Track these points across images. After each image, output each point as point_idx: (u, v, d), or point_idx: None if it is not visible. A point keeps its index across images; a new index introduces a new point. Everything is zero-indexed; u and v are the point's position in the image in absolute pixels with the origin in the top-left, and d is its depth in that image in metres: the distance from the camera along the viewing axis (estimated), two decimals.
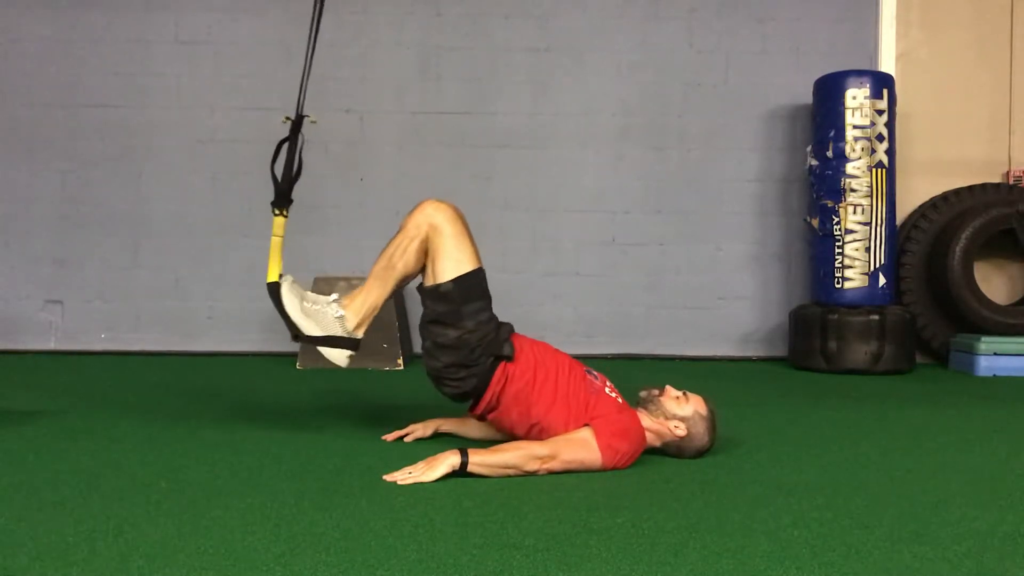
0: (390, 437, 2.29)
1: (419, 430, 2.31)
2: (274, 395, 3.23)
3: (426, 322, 2.11)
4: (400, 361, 4.11)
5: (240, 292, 4.72)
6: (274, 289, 2.14)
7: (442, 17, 4.83)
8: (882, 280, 4.27)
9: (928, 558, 1.36)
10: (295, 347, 4.25)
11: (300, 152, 2.29)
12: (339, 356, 2.14)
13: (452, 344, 2.05)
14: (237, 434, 2.33)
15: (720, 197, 4.87)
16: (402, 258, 2.09)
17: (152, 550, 1.34)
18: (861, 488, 1.83)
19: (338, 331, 2.12)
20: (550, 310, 4.81)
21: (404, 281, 2.16)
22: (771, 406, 3.13)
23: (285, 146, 2.29)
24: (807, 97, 4.66)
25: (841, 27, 4.88)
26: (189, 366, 4.11)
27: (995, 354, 4.15)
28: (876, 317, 4.16)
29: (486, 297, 2.12)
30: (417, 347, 4.34)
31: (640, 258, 4.84)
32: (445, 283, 2.06)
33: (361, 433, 2.36)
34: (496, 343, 2.07)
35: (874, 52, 4.87)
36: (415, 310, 4.44)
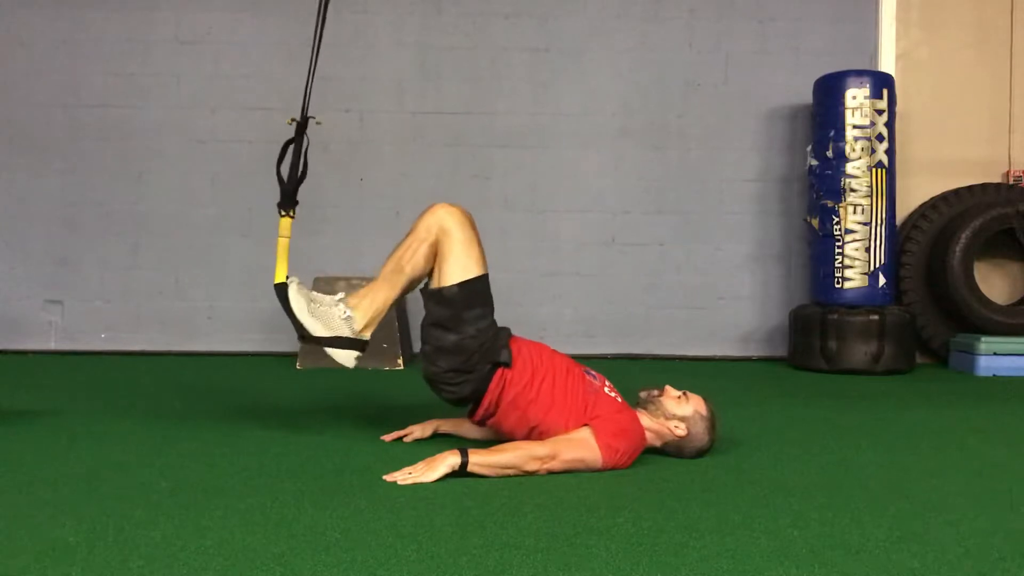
0: (389, 437, 2.29)
1: (418, 431, 2.31)
2: (274, 395, 3.22)
3: (427, 325, 2.11)
4: (400, 361, 4.11)
5: (240, 292, 4.72)
6: (282, 290, 2.13)
7: (442, 17, 4.83)
8: (882, 280, 4.27)
9: (928, 558, 1.36)
10: (295, 347, 4.25)
11: (305, 153, 2.29)
12: (346, 357, 2.13)
13: (451, 348, 2.05)
14: (237, 434, 2.33)
15: (720, 197, 4.87)
16: (411, 260, 2.09)
17: (152, 550, 1.34)
18: (861, 488, 1.83)
19: (345, 332, 2.11)
20: (550, 310, 4.81)
21: (413, 284, 2.15)
22: (771, 406, 3.13)
23: (291, 148, 2.29)
24: (807, 97, 4.66)
25: (841, 27, 4.87)
26: (189, 366, 4.11)
27: (995, 354, 4.14)
28: (876, 317, 4.16)
29: (488, 304, 2.12)
30: (417, 347, 4.34)
31: (640, 258, 4.84)
32: (449, 287, 2.06)
33: (361, 433, 2.36)
34: (494, 350, 2.06)
35: (874, 52, 4.87)
36: (415, 310, 4.45)
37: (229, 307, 4.75)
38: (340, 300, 2.14)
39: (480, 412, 2.09)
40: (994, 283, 4.84)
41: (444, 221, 2.08)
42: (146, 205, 4.75)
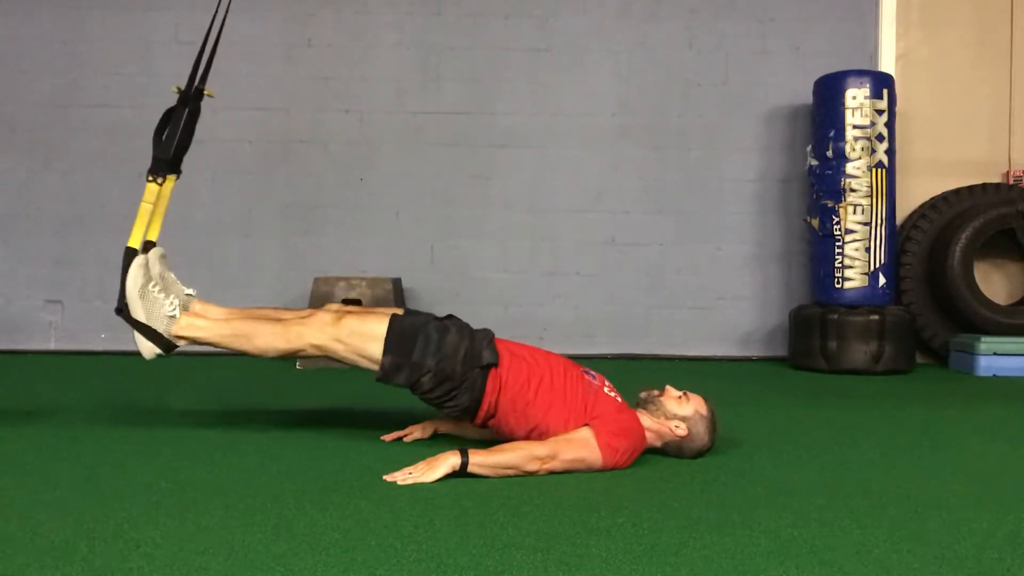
0: (389, 438, 2.29)
1: (418, 431, 2.31)
2: (274, 395, 3.22)
3: (411, 391, 2.11)
4: None
5: (240, 292, 4.72)
6: (128, 255, 2.15)
7: (442, 17, 4.83)
8: (882, 280, 4.27)
9: (928, 558, 1.36)
10: None
11: (190, 123, 2.28)
12: (147, 348, 2.16)
13: (436, 383, 2.05)
14: (237, 434, 2.33)
15: (720, 197, 4.87)
16: (264, 345, 2.13)
17: (152, 550, 1.34)
18: (861, 488, 1.83)
19: (160, 327, 2.14)
20: (550, 310, 4.81)
21: (244, 354, 2.17)
22: (771, 406, 3.13)
23: (172, 116, 2.27)
24: (807, 97, 4.66)
25: (841, 27, 4.87)
26: (189, 366, 4.10)
27: (995, 354, 4.14)
28: (876, 317, 4.16)
29: (421, 328, 2.09)
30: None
31: (640, 258, 4.84)
32: (383, 361, 2.06)
33: (361, 433, 2.36)
34: (475, 355, 2.06)
35: (874, 52, 4.87)
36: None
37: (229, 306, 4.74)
38: (186, 295, 2.15)
39: (481, 415, 2.09)
40: (994, 283, 4.84)
41: (316, 339, 2.08)
42: None
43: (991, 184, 4.71)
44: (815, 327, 4.26)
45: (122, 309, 2.13)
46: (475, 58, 4.83)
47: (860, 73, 4.37)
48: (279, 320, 2.17)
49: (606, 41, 4.86)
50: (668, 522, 1.54)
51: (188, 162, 4.56)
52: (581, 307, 4.83)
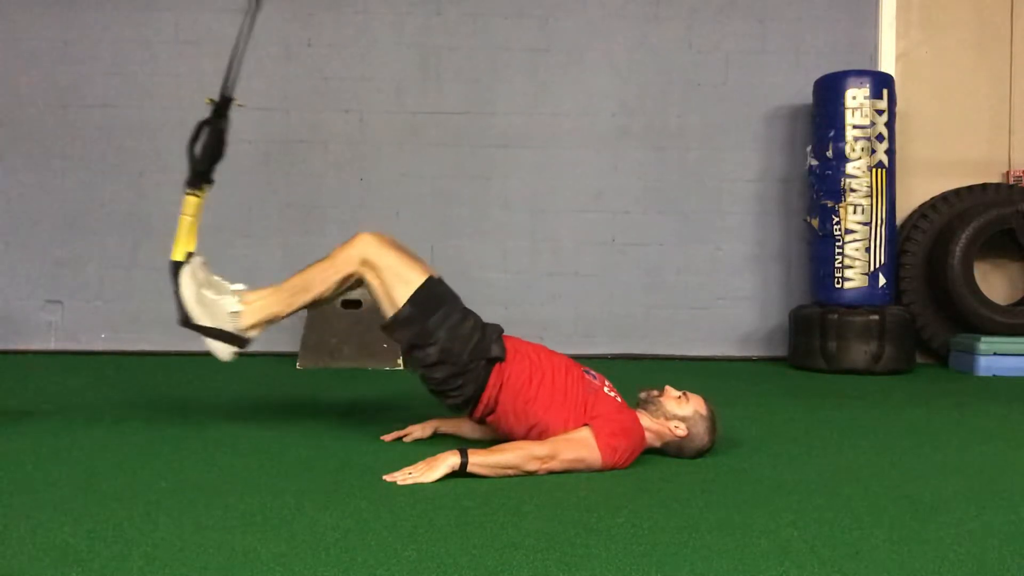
0: (389, 437, 2.29)
1: (418, 431, 2.31)
2: (274, 395, 3.23)
3: (405, 353, 2.10)
4: (400, 361, 4.10)
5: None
6: (175, 269, 2.15)
7: (442, 17, 4.83)
8: (882, 280, 4.27)
9: (928, 558, 1.36)
10: (295, 347, 4.25)
11: (222, 134, 2.29)
12: (223, 351, 2.15)
13: (438, 359, 2.05)
14: (237, 434, 2.33)
15: (720, 197, 4.87)
16: (321, 285, 2.10)
17: (152, 550, 1.34)
18: (861, 488, 1.83)
19: (227, 326, 2.13)
20: (550, 310, 4.81)
21: (310, 306, 2.16)
22: (771, 406, 3.13)
23: (205, 128, 2.28)
24: (807, 97, 4.66)
25: (841, 27, 4.87)
26: (189, 366, 4.10)
27: (995, 354, 4.15)
28: (876, 317, 4.16)
29: (447, 302, 2.10)
30: None
31: (640, 258, 4.85)
32: (402, 308, 2.05)
33: (361, 433, 2.36)
34: (484, 346, 2.06)
35: (874, 52, 4.87)
36: None
37: None
38: (236, 292, 2.15)
39: (480, 409, 2.09)
40: (994, 283, 4.84)
41: (364, 253, 2.07)
42: (146, 205, 4.75)
43: (991, 184, 4.71)
44: (815, 327, 4.26)
45: (186, 320, 2.11)
46: (475, 58, 4.83)
47: (860, 73, 4.37)
48: (323, 259, 2.14)
49: (606, 41, 4.86)
50: (668, 522, 1.54)
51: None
52: (581, 307, 4.83)
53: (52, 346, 4.71)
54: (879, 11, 4.86)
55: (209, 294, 2.13)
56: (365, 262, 2.07)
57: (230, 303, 2.12)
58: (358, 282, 2.14)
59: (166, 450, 2.11)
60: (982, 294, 4.46)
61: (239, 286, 2.19)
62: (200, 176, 2.24)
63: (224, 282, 2.21)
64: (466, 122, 4.82)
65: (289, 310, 2.16)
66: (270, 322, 2.17)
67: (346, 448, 2.16)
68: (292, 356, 4.31)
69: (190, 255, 2.21)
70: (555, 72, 4.85)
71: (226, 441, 2.23)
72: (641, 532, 1.47)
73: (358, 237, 2.11)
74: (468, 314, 2.12)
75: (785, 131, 4.89)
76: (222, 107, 2.28)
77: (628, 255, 4.85)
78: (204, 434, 2.33)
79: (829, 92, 4.37)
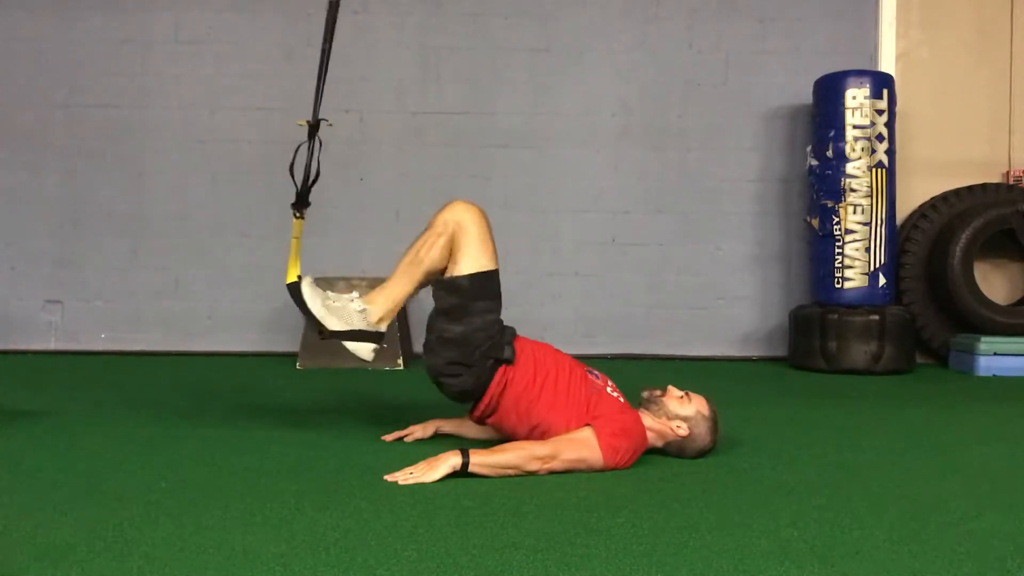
0: (390, 437, 2.29)
1: (419, 431, 2.31)
2: (274, 395, 3.23)
3: (435, 314, 2.12)
4: (400, 361, 4.11)
5: (240, 292, 4.72)
6: (295, 289, 2.16)
7: (442, 17, 4.83)
8: (882, 280, 4.27)
9: (928, 558, 1.36)
10: (295, 347, 4.25)
11: (318, 156, 2.32)
12: (364, 350, 2.16)
13: (456, 339, 2.06)
14: (237, 434, 2.33)
15: (720, 197, 4.87)
16: (428, 253, 2.11)
17: (152, 550, 1.34)
18: (861, 488, 1.83)
19: (361, 325, 2.14)
20: (550, 310, 4.81)
21: (429, 277, 2.16)
22: (771, 406, 3.13)
23: (302, 150, 2.32)
24: (807, 97, 4.66)
25: (841, 27, 4.87)
26: (189, 366, 4.11)
27: (995, 354, 4.14)
28: (876, 317, 4.16)
29: (497, 299, 2.14)
30: (417, 347, 4.34)
31: (640, 258, 4.85)
32: (461, 276, 2.08)
33: (361, 433, 2.36)
34: (498, 346, 2.07)
35: (874, 52, 4.87)
36: (415, 309, 4.45)
37: (229, 307, 4.74)
38: (355, 296, 2.16)
39: (480, 409, 2.09)
40: (994, 283, 4.84)
41: (461, 216, 2.11)
42: (146, 205, 4.75)
43: (991, 184, 4.71)
44: (815, 327, 4.26)
45: (323, 331, 2.12)
46: (475, 58, 4.83)
47: (860, 73, 4.37)
48: (424, 231, 2.15)
49: (606, 41, 4.86)
50: (668, 522, 1.54)
51: (188, 162, 4.56)
52: (581, 307, 4.83)
53: (52, 346, 4.71)
54: (879, 11, 4.86)
55: (333, 302, 2.14)
56: (460, 225, 2.10)
57: (355, 304, 2.14)
58: None
59: (166, 450, 2.11)
60: (982, 294, 4.46)
61: (354, 294, 2.20)
62: (303, 198, 2.27)
63: (338, 293, 2.23)
64: (466, 122, 4.82)
65: (411, 287, 2.16)
66: (397, 307, 2.18)
67: (346, 448, 2.16)
68: (292, 356, 4.31)
69: (299, 276, 2.22)
70: (555, 72, 4.85)
71: (226, 441, 2.23)
72: (641, 532, 1.47)
73: (454, 203, 2.14)
74: (500, 320, 2.15)
75: (785, 131, 4.89)
76: (315, 128, 2.31)
77: (628, 255, 4.84)
78: (204, 434, 2.33)
79: (829, 92, 4.37)
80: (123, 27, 4.75)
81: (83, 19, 4.74)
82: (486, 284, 2.10)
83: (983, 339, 4.19)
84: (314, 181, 2.31)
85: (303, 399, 3.12)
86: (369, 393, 3.30)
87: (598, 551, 1.36)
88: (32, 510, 1.56)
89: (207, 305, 4.74)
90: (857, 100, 4.28)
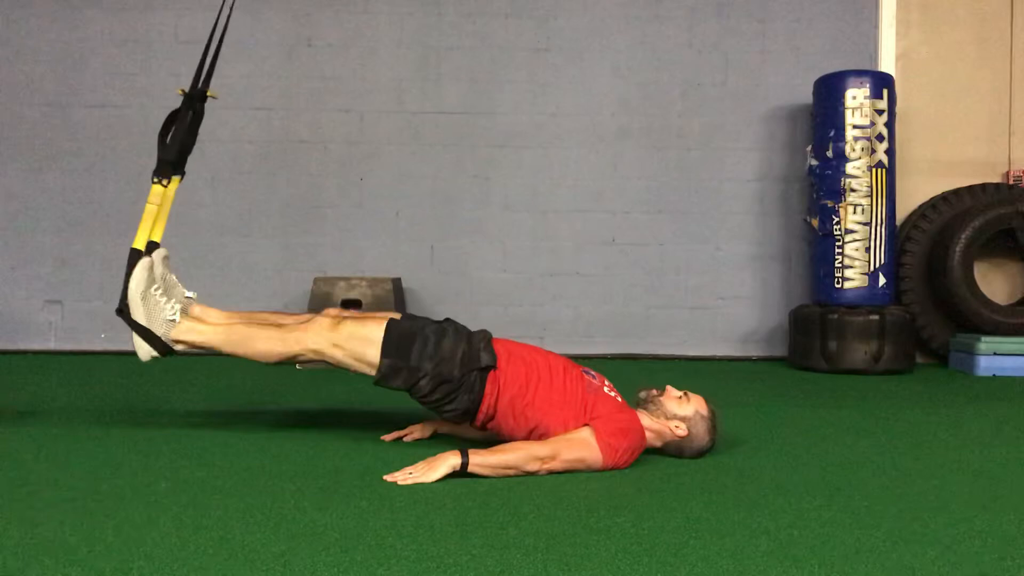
0: (389, 437, 2.29)
1: (418, 431, 2.31)
2: (274, 395, 3.22)
3: (409, 394, 2.11)
4: None
5: (240, 292, 4.72)
6: (134, 257, 2.15)
7: (442, 17, 4.83)
8: (882, 280, 4.27)
9: (928, 558, 1.36)
10: None
11: (195, 125, 2.27)
12: (144, 350, 2.17)
13: (434, 386, 2.05)
14: (237, 434, 2.33)
15: (720, 197, 4.87)
16: (265, 348, 2.11)
17: (152, 550, 1.34)
18: (861, 488, 1.83)
19: (159, 331, 2.15)
20: (550, 310, 4.81)
21: (244, 358, 2.17)
22: (771, 406, 3.13)
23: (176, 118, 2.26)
24: (807, 97, 4.66)
25: (841, 27, 4.88)
26: (189, 366, 4.10)
27: (995, 354, 4.15)
28: (876, 317, 4.16)
29: (418, 332, 2.10)
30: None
31: (640, 258, 4.85)
32: (381, 365, 2.05)
33: (361, 433, 2.36)
34: (473, 357, 2.06)
35: (874, 52, 4.87)
36: (415, 310, 4.45)
37: (229, 307, 4.72)
38: (186, 299, 2.16)
39: (480, 417, 2.08)
40: (994, 283, 4.84)
41: (318, 341, 2.07)
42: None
43: (991, 184, 4.71)
44: (815, 327, 4.26)
45: (123, 310, 2.13)
46: (475, 58, 4.83)
47: (860, 73, 4.37)
48: (278, 325, 2.17)
49: (606, 41, 4.86)
50: (668, 522, 1.54)
51: (188, 162, 4.55)
52: (581, 307, 4.83)
53: (52, 346, 4.71)
54: (879, 11, 4.86)
55: (156, 295, 2.14)
56: (316, 352, 2.08)
57: (170, 310, 2.14)
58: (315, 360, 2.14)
59: (166, 450, 2.11)
60: (982, 294, 4.46)
61: (191, 294, 2.20)
62: (166, 166, 2.23)
63: (178, 284, 2.23)
64: (466, 122, 4.82)
65: (221, 349, 2.18)
66: (202, 348, 2.20)
67: (346, 448, 2.16)
68: None
69: (154, 245, 2.22)
70: (555, 72, 4.85)
71: (226, 441, 2.23)
72: (641, 532, 1.47)
73: (313, 323, 2.11)
74: (443, 331, 2.12)
75: (785, 131, 4.89)
76: (192, 98, 2.27)
77: (628, 255, 4.85)
78: (204, 434, 2.33)
79: (829, 92, 4.37)
80: (123, 27, 4.75)
81: (83, 19, 4.74)
82: (396, 339, 2.06)
83: (983, 339, 4.19)
84: (187, 150, 2.26)
85: (303, 399, 3.12)
86: (369, 394, 3.29)
87: (598, 551, 1.36)
88: (32, 510, 1.56)
89: (207, 305, 4.73)
90: (857, 100, 4.28)
